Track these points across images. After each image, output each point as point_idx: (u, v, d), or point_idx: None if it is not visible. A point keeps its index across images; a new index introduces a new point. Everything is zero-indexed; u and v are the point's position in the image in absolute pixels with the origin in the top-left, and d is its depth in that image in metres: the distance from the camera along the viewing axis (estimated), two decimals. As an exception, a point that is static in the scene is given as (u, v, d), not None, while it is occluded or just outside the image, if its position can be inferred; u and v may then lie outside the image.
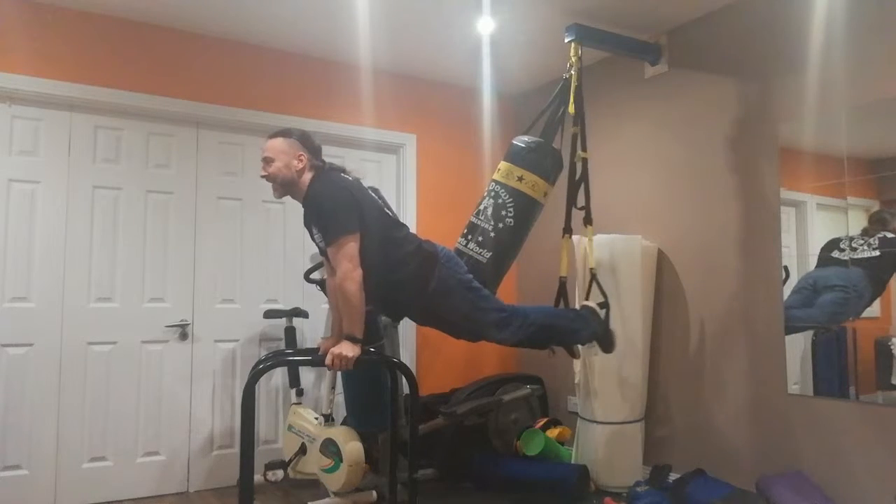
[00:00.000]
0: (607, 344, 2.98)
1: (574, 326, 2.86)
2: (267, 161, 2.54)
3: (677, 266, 3.54)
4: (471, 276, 2.67)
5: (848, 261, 2.78)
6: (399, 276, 2.53)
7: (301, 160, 2.53)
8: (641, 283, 3.46)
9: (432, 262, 2.55)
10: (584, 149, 3.14)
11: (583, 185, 3.15)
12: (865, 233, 2.73)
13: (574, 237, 3.65)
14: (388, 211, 2.67)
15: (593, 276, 3.10)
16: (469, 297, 2.60)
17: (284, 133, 2.57)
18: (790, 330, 2.99)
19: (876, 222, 2.71)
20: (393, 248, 2.53)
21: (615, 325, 3.35)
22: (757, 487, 2.85)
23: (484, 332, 2.66)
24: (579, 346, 3.01)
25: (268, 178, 2.55)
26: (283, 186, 2.55)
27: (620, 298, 3.40)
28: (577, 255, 3.60)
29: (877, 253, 2.69)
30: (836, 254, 2.82)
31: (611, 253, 3.44)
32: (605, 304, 3.00)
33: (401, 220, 2.70)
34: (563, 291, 3.09)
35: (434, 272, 2.54)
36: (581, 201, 3.16)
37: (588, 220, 3.13)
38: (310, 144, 2.59)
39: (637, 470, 3.42)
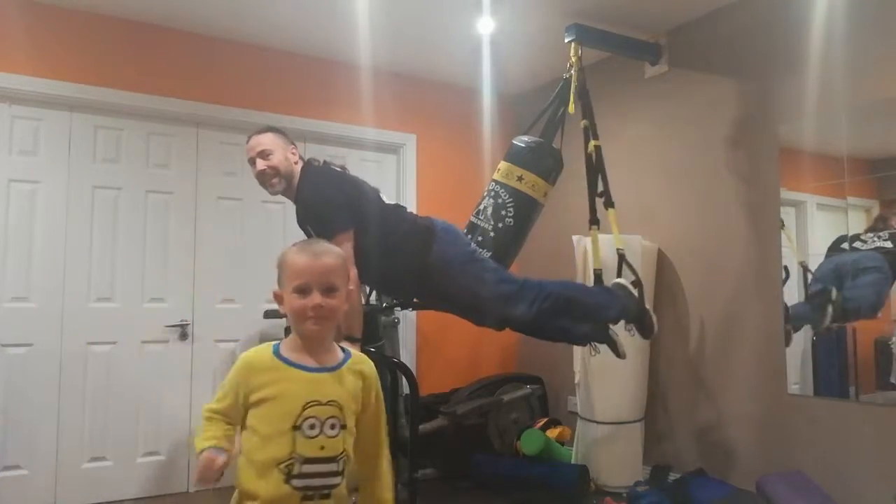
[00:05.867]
0: (645, 326, 2.73)
1: (601, 300, 2.64)
2: (265, 154, 2.49)
3: (677, 266, 3.53)
4: (473, 247, 2.58)
5: (849, 249, 2.76)
6: (397, 256, 2.49)
7: (294, 153, 2.55)
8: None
9: (428, 236, 2.50)
10: (595, 137, 3.10)
11: (600, 173, 3.07)
12: (873, 229, 2.72)
13: (574, 237, 3.66)
14: (382, 197, 2.64)
15: (622, 257, 2.94)
16: (471, 268, 2.49)
17: (273, 128, 2.57)
18: (849, 315, 2.81)
19: (880, 220, 2.71)
20: (390, 231, 2.50)
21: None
22: (757, 487, 2.85)
23: (493, 308, 2.49)
24: (623, 348, 2.73)
25: (269, 171, 2.49)
26: (285, 179, 2.52)
27: (620, 298, 3.40)
28: (578, 253, 3.60)
29: (889, 245, 2.66)
30: (845, 245, 2.79)
31: (610, 253, 3.43)
32: (637, 283, 2.78)
33: (396, 203, 2.67)
34: (600, 283, 2.95)
35: (431, 245, 2.47)
36: (598, 190, 3.07)
37: (609, 204, 3.02)
38: (291, 140, 2.61)
39: (637, 470, 3.42)
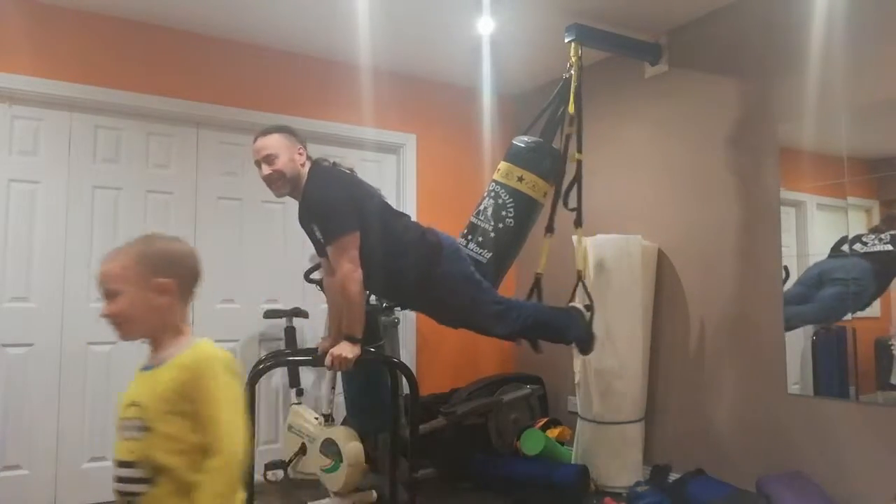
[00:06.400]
0: (587, 346, 2.96)
1: (563, 324, 2.87)
2: (269, 159, 2.44)
3: (677, 266, 3.54)
4: (473, 268, 2.69)
5: (849, 252, 2.77)
6: (401, 265, 2.53)
7: (301, 153, 2.49)
8: (641, 283, 3.45)
9: (436, 254, 2.55)
10: (579, 150, 3.14)
11: (575, 188, 3.14)
12: (877, 230, 2.72)
13: (574, 237, 3.66)
14: (386, 201, 2.66)
15: (580, 279, 3.12)
16: (470, 288, 2.62)
17: (280, 129, 2.50)
18: (785, 327, 2.99)
19: (887, 220, 2.71)
20: (394, 237, 2.52)
21: (615, 325, 3.36)
22: (757, 487, 2.85)
23: (481, 324, 2.68)
24: (541, 346, 3.00)
25: (274, 175, 2.45)
26: (290, 182, 2.48)
27: (620, 298, 3.40)
28: (578, 256, 3.60)
29: (889, 247, 2.68)
30: (844, 247, 2.81)
31: (610, 253, 3.44)
32: (590, 307, 3.00)
33: (400, 210, 2.71)
34: (537, 287, 3.13)
35: (438, 263, 2.54)
36: (573, 204, 3.15)
37: (578, 223, 3.14)
38: (301, 138, 2.54)
39: (637, 470, 3.42)
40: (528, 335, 2.81)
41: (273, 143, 2.46)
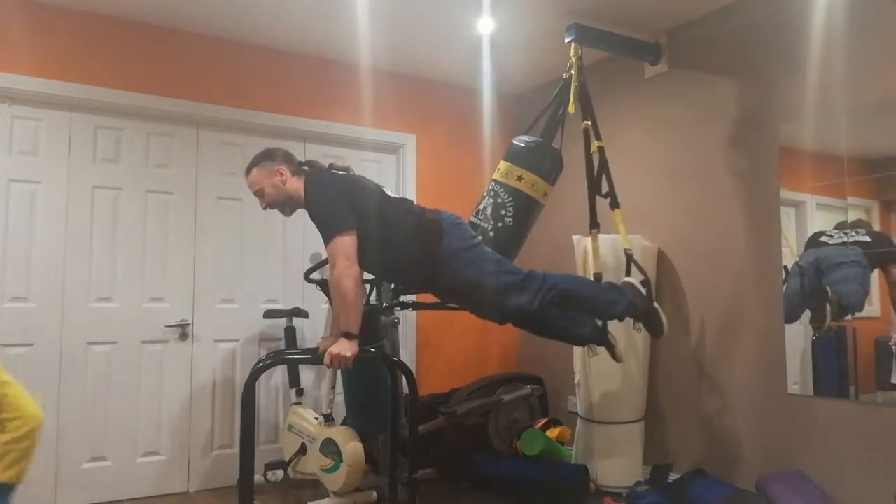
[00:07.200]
0: (655, 324, 2.75)
1: (608, 297, 2.64)
2: (258, 194, 2.65)
3: (677, 266, 3.54)
4: (478, 240, 2.62)
5: (841, 243, 2.79)
6: (404, 253, 2.54)
7: (281, 173, 2.62)
8: (641, 283, 3.45)
9: (437, 230, 2.54)
10: (598, 138, 3.10)
11: (604, 174, 3.07)
12: (852, 226, 2.77)
13: (574, 237, 3.66)
14: (387, 192, 2.67)
15: (629, 257, 2.97)
16: (474, 259, 2.52)
17: (254, 163, 2.66)
18: (848, 310, 2.83)
19: (856, 223, 2.77)
20: (393, 227, 2.54)
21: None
22: (757, 487, 2.85)
23: (495, 299, 2.50)
24: (621, 351, 2.83)
25: (269, 206, 2.66)
26: (286, 205, 2.65)
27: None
28: (578, 253, 3.60)
29: (867, 238, 2.72)
30: (825, 238, 2.85)
31: (610, 253, 3.44)
32: (646, 282, 2.78)
33: (402, 197, 2.71)
34: None
35: (439, 240, 2.52)
36: (603, 191, 3.07)
37: (615, 204, 3.04)
38: (280, 156, 2.66)
39: (637, 470, 3.42)
40: (558, 311, 2.57)
41: (254, 179, 2.66)
